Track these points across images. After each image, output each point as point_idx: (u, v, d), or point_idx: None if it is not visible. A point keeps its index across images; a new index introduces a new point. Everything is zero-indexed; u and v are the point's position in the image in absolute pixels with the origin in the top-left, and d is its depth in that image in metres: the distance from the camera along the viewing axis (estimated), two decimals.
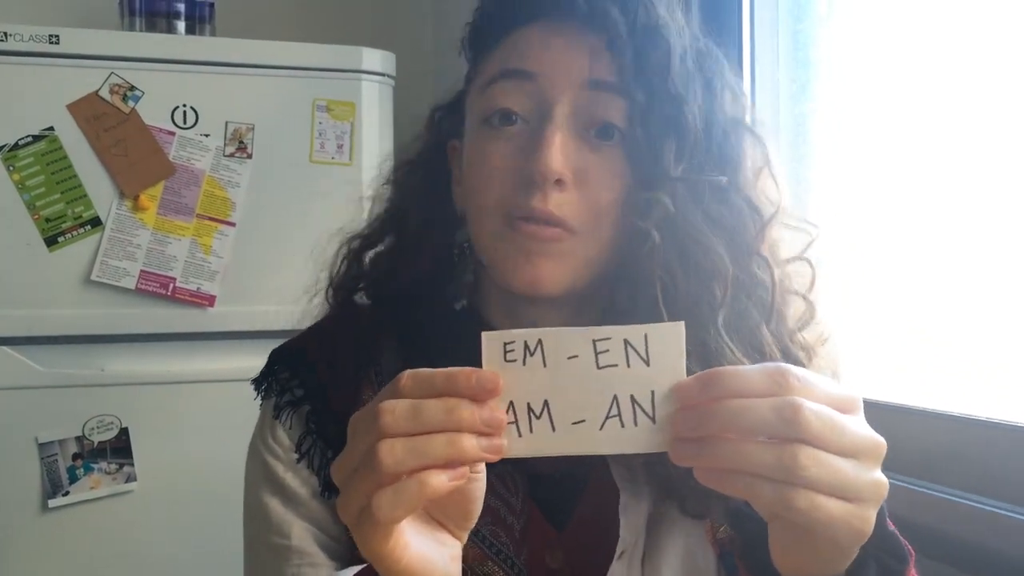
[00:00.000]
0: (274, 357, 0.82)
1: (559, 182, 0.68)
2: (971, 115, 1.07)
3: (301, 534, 0.74)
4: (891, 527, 0.64)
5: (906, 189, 1.15)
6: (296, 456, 0.76)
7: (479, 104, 0.73)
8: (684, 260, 0.68)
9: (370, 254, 0.85)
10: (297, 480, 0.76)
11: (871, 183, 1.20)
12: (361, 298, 0.85)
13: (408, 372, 0.51)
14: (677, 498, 0.70)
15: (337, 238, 0.86)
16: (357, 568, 0.65)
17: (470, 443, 0.50)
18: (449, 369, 0.51)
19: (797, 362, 0.70)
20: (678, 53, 0.70)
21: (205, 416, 1.75)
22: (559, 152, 0.67)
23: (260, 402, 0.82)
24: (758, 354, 0.67)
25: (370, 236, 0.85)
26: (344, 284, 0.85)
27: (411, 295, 0.79)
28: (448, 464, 0.50)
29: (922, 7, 1.16)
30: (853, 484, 0.49)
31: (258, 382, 0.82)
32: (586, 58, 0.70)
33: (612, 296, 0.72)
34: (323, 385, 0.77)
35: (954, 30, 1.10)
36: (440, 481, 0.50)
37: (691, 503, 0.69)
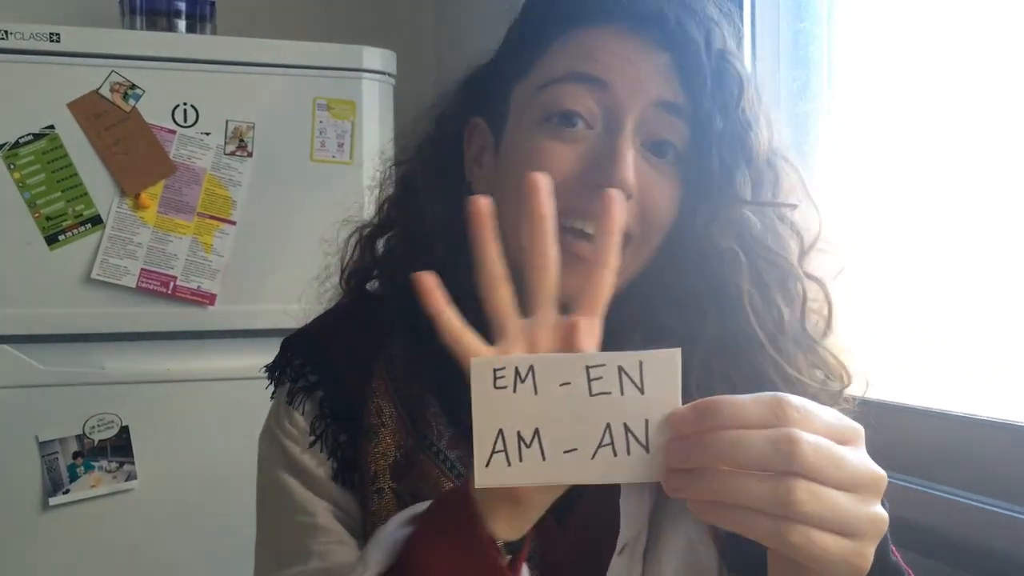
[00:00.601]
0: (287, 345, 0.82)
1: (628, 195, 0.68)
2: (972, 114, 1.07)
3: (324, 513, 0.74)
4: (895, 557, 0.63)
5: (907, 188, 1.15)
6: (311, 439, 0.76)
7: (539, 100, 0.71)
8: (758, 278, 0.69)
9: (383, 241, 0.84)
10: (314, 461, 0.76)
11: (872, 182, 1.20)
12: (373, 285, 0.85)
13: None
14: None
15: (348, 226, 0.86)
16: (426, 503, 0.64)
17: None
18: None
19: (840, 378, 0.72)
20: (749, 83, 0.71)
21: (205, 414, 1.76)
22: (633, 165, 0.68)
23: (272, 391, 0.82)
24: (821, 370, 0.70)
25: (381, 223, 0.84)
26: (357, 272, 0.84)
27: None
28: None
29: (923, 6, 1.16)
30: (851, 519, 0.48)
31: (271, 369, 0.82)
32: (658, 75, 0.69)
33: (644, 315, 0.72)
34: (336, 371, 0.77)
35: (956, 29, 1.10)
36: None
37: None
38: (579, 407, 0.50)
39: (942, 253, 1.10)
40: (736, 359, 0.68)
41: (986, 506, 0.91)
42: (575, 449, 0.50)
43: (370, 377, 0.77)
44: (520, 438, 0.50)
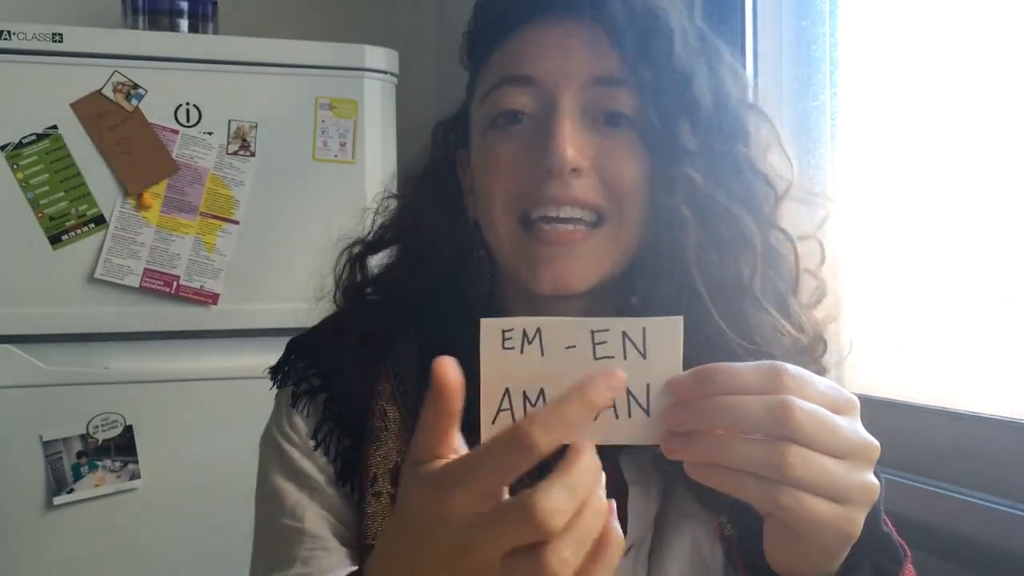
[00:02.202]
0: (292, 346, 0.82)
1: (575, 170, 0.68)
2: (975, 113, 1.06)
3: (314, 519, 0.74)
4: (887, 527, 0.64)
5: (908, 187, 1.15)
6: (313, 443, 0.77)
7: (482, 111, 0.74)
8: (713, 235, 0.68)
9: (378, 259, 0.85)
10: (314, 467, 0.76)
11: (874, 180, 1.20)
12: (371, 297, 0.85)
13: (538, 423, 0.44)
14: (694, 489, 0.70)
15: (339, 244, 0.87)
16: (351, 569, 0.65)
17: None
18: (580, 393, 0.45)
19: (820, 336, 0.71)
20: (679, 34, 0.71)
21: (209, 414, 1.76)
22: (570, 141, 0.68)
23: (275, 391, 0.82)
24: (792, 325, 0.68)
25: (373, 243, 0.85)
26: (351, 287, 0.85)
27: (428, 289, 0.80)
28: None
29: (926, 4, 1.16)
30: (842, 485, 0.49)
31: (275, 371, 0.82)
32: (586, 53, 0.70)
33: (634, 284, 0.72)
34: (341, 374, 0.78)
35: (959, 28, 1.10)
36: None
37: (708, 494, 0.69)
38: (584, 369, 0.50)
39: (944, 252, 1.09)
40: (692, 325, 0.67)
41: (989, 504, 0.91)
42: None
43: (376, 379, 0.77)
44: (526, 397, 0.52)
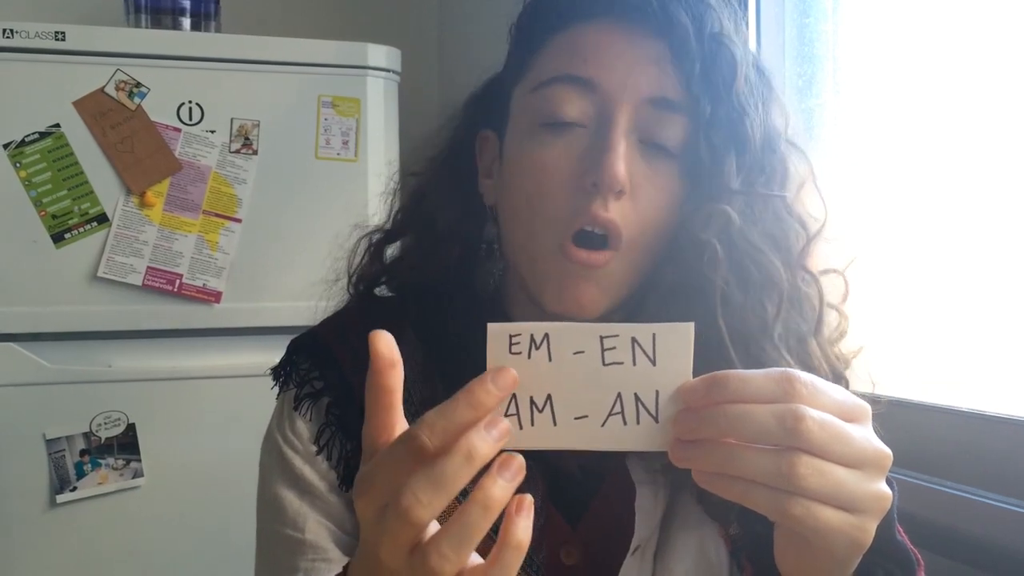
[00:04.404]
0: (293, 347, 0.81)
1: (620, 191, 0.67)
2: (977, 113, 1.06)
3: (316, 528, 0.73)
4: (900, 536, 0.63)
5: (912, 186, 1.14)
6: (315, 449, 0.76)
7: (532, 104, 0.71)
8: (741, 273, 0.67)
9: (393, 248, 0.84)
10: (315, 474, 0.75)
11: (876, 180, 1.20)
12: (382, 291, 0.84)
13: (428, 425, 0.46)
14: (703, 500, 0.70)
15: (357, 232, 0.86)
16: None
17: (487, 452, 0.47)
18: (466, 394, 0.47)
19: (840, 375, 0.70)
20: (743, 67, 0.69)
21: (212, 412, 1.76)
22: (624, 160, 0.66)
23: (277, 393, 0.81)
24: (806, 368, 0.66)
25: (392, 230, 0.84)
26: (365, 277, 0.84)
27: (435, 287, 0.79)
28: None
29: (928, 1, 1.15)
30: (853, 495, 0.49)
31: (276, 372, 0.81)
32: (651, 69, 0.68)
33: (638, 307, 0.71)
34: (344, 377, 0.76)
35: (961, 26, 1.09)
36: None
37: (716, 503, 0.69)
38: (592, 376, 0.51)
39: (948, 250, 1.09)
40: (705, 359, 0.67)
41: (995, 502, 0.91)
42: (586, 416, 0.51)
43: None
44: (533, 403, 0.51)
